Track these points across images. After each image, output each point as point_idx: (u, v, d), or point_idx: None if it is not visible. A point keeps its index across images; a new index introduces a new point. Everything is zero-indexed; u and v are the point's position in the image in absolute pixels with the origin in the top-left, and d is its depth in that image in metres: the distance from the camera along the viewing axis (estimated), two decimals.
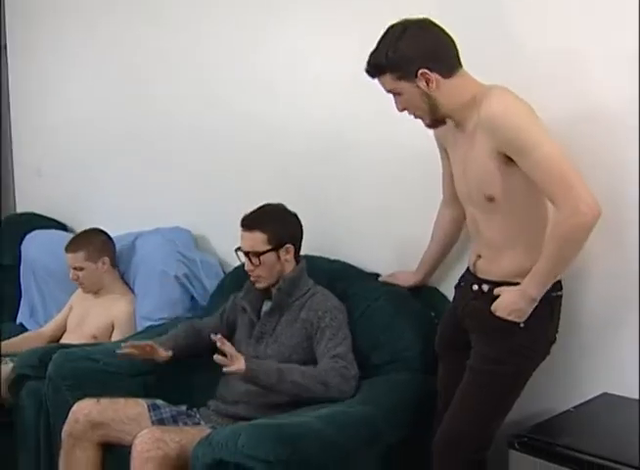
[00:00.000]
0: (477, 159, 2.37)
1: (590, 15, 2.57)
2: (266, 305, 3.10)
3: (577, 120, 2.60)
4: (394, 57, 2.33)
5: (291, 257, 3.04)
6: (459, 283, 2.66)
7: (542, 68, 2.69)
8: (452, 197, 2.72)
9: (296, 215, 3.09)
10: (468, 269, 2.62)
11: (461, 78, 2.39)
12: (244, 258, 3.04)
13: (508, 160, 2.29)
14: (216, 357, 2.68)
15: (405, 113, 2.46)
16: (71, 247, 3.90)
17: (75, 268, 3.86)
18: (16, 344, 3.92)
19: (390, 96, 2.45)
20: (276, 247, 2.99)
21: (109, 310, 3.85)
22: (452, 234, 2.94)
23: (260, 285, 3.05)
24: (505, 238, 2.43)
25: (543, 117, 2.33)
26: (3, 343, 3.87)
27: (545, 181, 2.23)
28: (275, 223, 3.02)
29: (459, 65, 2.39)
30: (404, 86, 2.37)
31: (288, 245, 3.01)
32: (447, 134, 2.56)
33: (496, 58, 2.78)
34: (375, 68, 2.40)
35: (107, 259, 3.91)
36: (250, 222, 3.01)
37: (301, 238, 3.10)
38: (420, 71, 2.32)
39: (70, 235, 4.22)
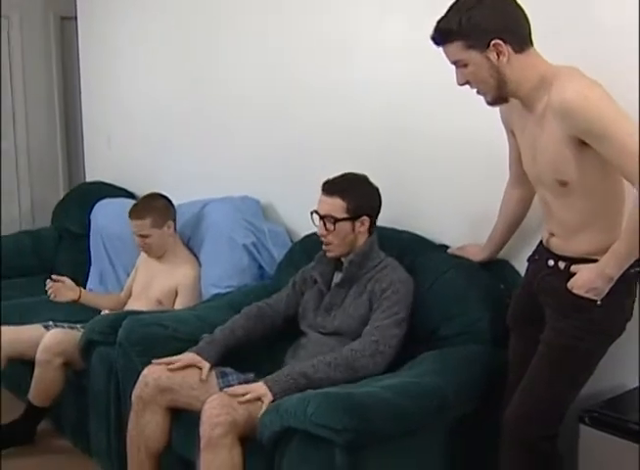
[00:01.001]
0: (548, 144, 2.31)
1: None
2: (337, 277, 3.09)
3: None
4: (468, 24, 2.26)
5: (365, 229, 3.02)
6: (533, 256, 2.62)
7: (612, 45, 2.62)
8: (519, 177, 2.67)
9: (377, 189, 3.07)
10: (542, 243, 2.57)
11: (531, 56, 2.32)
12: (318, 222, 3.02)
13: (582, 144, 2.23)
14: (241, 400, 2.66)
15: (467, 90, 2.41)
16: (136, 214, 3.90)
17: (142, 235, 3.87)
18: (93, 297, 4.05)
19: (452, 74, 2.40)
20: (353, 217, 2.98)
21: (173, 275, 3.88)
22: (519, 214, 2.89)
23: (331, 253, 3.04)
24: (579, 219, 2.38)
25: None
26: (85, 291, 3.97)
27: (627, 164, 2.16)
28: (356, 193, 3.00)
29: (530, 42, 2.33)
30: (473, 57, 2.29)
31: (364, 217, 3.00)
32: (514, 114, 2.50)
33: (567, 35, 2.71)
34: (444, 34, 2.32)
35: (171, 224, 3.92)
36: (331, 187, 3.01)
37: (379, 212, 3.08)
38: (493, 42, 2.25)
39: None
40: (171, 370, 2.89)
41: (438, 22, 2.33)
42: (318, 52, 3.71)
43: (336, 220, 2.96)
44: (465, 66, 2.33)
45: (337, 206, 2.97)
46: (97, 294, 4.20)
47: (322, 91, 3.72)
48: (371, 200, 3.05)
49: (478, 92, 2.39)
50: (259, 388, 2.69)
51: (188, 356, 2.95)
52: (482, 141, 3.07)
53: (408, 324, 2.93)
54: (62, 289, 3.85)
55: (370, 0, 3.46)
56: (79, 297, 3.89)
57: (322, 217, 2.99)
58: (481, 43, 2.27)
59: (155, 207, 3.90)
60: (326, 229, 2.98)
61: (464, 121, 3.13)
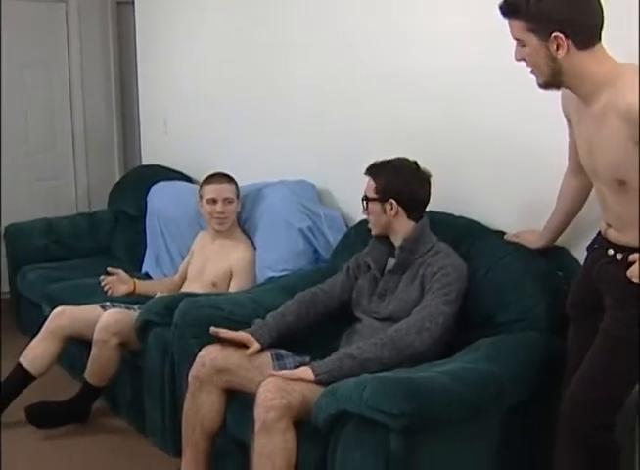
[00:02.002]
0: (607, 144, 2.26)
1: None
2: (390, 263, 3.10)
3: None
4: (535, 9, 2.21)
5: (395, 212, 3.02)
6: (592, 245, 2.58)
7: None
8: (578, 166, 2.62)
9: (421, 176, 3.07)
10: (601, 233, 2.54)
11: (595, 54, 2.26)
12: None
13: None
14: (294, 383, 2.67)
15: (528, 77, 2.37)
16: (224, 178, 3.97)
17: (227, 199, 3.90)
18: (148, 285, 4.08)
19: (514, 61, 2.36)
20: (380, 198, 3.03)
21: (227, 257, 3.90)
22: (577, 203, 2.85)
23: (372, 232, 3.12)
24: (636, 214, 2.32)
25: None
26: (139, 281, 4.01)
27: None
28: (387, 176, 3.04)
29: (598, 39, 2.26)
30: (532, 41, 2.25)
31: (392, 200, 3.01)
32: (571, 106, 2.46)
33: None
34: (510, 8, 2.26)
35: (240, 202, 3.99)
36: (368, 169, 3.11)
37: (417, 199, 3.07)
38: (554, 34, 2.20)
39: (196, 186, 4.28)
40: (221, 338, 2.94)
41: None
42: (377, 39, 3.69)
43: (368, 200, 3.06)
44: (524, 46, 2.29)
45: (370, 187, 3.07)
46: (151, 281, 4.25)
47: (380, 77, 3.70)
48: (401, 185, 3.03)
49: (531, 72, 2.36)
50: (303, 369, 2.72)
51: (243, 333, 2.98)
52: (537, 129, 3.04)
53: (460, 307, 2.93)
54: (116, 283, 3.90)
55: None
56: (134, 288, 3.93)
57: (363, 199, 3.10)
58: (543, 32, 2.22)
59: (234, 179, 3.98)
60: (364, 208, 3.10)
61: (519, 109, 3.10)
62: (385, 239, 3.12)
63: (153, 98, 5.60)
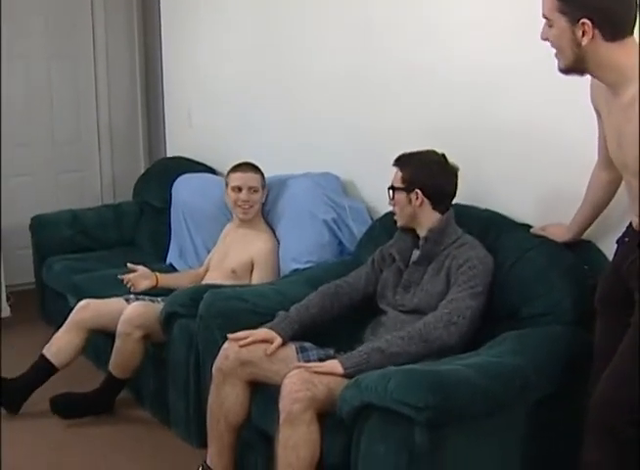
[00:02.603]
0: (637, 135, 2.22)
1: None
2: (414, 255, 3.09)
3: None
4: None
5: (420, 203, 3.02)
6: (622, 238, 2.55)
7: None
8: (607, 159, 2.59)
9: (449, 169, 3.07)
10: (631, 225, 2.51)
11: (625, 47, 2.24)
12: None
13: None
14: (317, 375, 2.67)
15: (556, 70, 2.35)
16: (250, 167, 3.99)
17: (252, 188, 3.92)
18: (171, 279, 4.07)
19: (546, 44, 2.34)
20: (406, 188, 3.03)
21: (249, 246, 3.91)
22: (606, 197, 2.82)
23: (398, 222, 3.12)
24: None
25: None
26: (160, 275, 4.00)
27: None
28: (414, 166, 3.06)
29: (630, 32, 2.24)
30: (560, 22, 2.24)
31: (417, 190, 3.01)
32: (600, 97, 2.43)
33: None
34: None
35: (266, 192, 4.01)
36: (396, 160, 3.11)
37: (443, 191, 3.06)
38: (582, 20, 2.19)
39: (221, 178, 4.28)
40: (242, 346, 2.91)
41: None
42: (404, 31, 3.66)
43: (394, 189, 3.07)
44: (551, 26, 2.28)
45: (397, 176, 3.08)
46: (174, 274, 4.24)
47: (406, 70, 3.67)
48: (427, 175, 3.04)
49: (555, 54, 2.34)
50: (332, 363, 2.71)
51: (261, 331, 2.98)
52: (563, 123, 3.01)
53: (487, 300, 2.91)
54: (138, 279, 3.90)
55: None
56: (157, 283, 3.93)
57: (390, 188, 3.10)
58: (573, 15, 2.21)
59: (260, 169, 4.01)
60: (390, 198, 3.10)
61: (544, 102, 3.07)
62: (410, 231, 3.11)
63: (177, 90, 5.61)
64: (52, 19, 5.89)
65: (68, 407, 3.72)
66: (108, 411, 3.80)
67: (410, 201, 3.03)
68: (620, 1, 2.22)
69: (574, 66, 2.30)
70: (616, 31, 2.22)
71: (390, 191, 3.08)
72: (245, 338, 2.93)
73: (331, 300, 3.14)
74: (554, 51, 2.34)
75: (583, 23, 2.19)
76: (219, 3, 4.98)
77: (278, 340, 2.94)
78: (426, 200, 3.02)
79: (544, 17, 2.30)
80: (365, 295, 3.18)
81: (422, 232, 3.05)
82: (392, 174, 3.10)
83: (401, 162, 3.08)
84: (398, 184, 3.05)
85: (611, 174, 2.69)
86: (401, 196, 3.04)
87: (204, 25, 5.17)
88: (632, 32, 2.25)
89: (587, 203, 2.88)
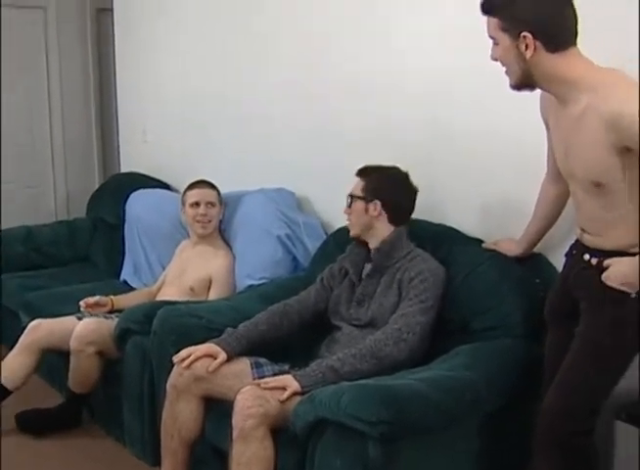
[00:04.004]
0: (586, 147, 2.27)
1: None
2: (367, 268, 3.11)
3: None
4: (508, 7, 2.25)
5: (378, 214, 3.06)
6: (570, 251, 2.60)
7: None
8: (556, 173, 2.63)
9: (409, 187, 3.13)
10: (577, 238, 2.56)
11: (569, 57, 2.28)
12: None
13: (628, 150, 2.20)
14: (271, 392, 2.67)
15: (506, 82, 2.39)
16: (207, 184, 4.03)
17: (209, 203, 3.95)
18: (126, 299, 4.02)
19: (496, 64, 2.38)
20: (366, 198, 3.07)
21: (207, 263, 3.91)
22: (555, 210, 2.87)
23: (351, 232, 3.14)
24: (611, 217, 2.36)
25: None
26: (115, 298, 3.99)
27: None
28: (378, 178, 3.10)
29: (572, 42, 2.29)
30: (504, 39, 2.29)
31: (377, 201, 3.05)
32: (549, 109, 2.48)
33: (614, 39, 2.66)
34: (487, 5, 2.31)
35: (223, 209, 4.03)
36: (361, 169, 3.15)
37: (402, 206, 3.11)
38: (523, 34, 2.24)
39: (176, 194, 4.28)
40: (186, 367, 2.90)
41: None
42: (358, 43, 3.70)
43: (353, 198, 3.09)
44: (497, 44, 2.33)
45: (358, 185, 3.12)
46: (129, 295, 4.17)
47: (361, 84, 3.70)
48: (390, 188, 3.09)
49: (505, 72, 2.38)
50: (287, 378, 2.71)
51: (204, 346, 2.96)
52: (516, 136, 3.06)
53: (437, 313, 2.94)
54: (95, 308, 3.89)
55: None
56: (112, 306, 3.93)
57: (348, 196, 3.13)
58: (513, 31, 2.26)
59: (216, 187, 4.04)
60: (347, 206, 3.12)
61: (498, 114, 3.11)
62: (363, 245, 3.14)
63: (132, 106, 5.59)
64: (4, 33, 5.84)
65: (36, 424, 3.70)
66: (76, 425, 3.78)
67: (367, 210, 3.06)
68: (558, 12, 2.27)
69: (523, 81, 2.34)
70: (557, 42, 2.27)
71: (349, 199, 3.11)
72: (188, 356, 2.92)
73: (280, 317, 3.14)
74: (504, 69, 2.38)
75: (524, 37, 2.24)
76: (174, 19, 4.98)
77: (222, 355, 2.93)
78: (383, 212, 3.06)
79: (490, 37, 2.35)
80: (315, 312, 3.20)
81: (373, 244, 3.08)
82: (350, 186, 3.13)
83: (366, 172, 3.12)
84: (358, 193, 3.09)
85: (559, 188, 2.74)
86: (359, 205, 3.07)
87: (158, 41, 5.16)
88: (575, 43, 2.29)
89: (537, 217, 2.92)
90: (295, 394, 2.66)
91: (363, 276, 3.11)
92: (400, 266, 3.01)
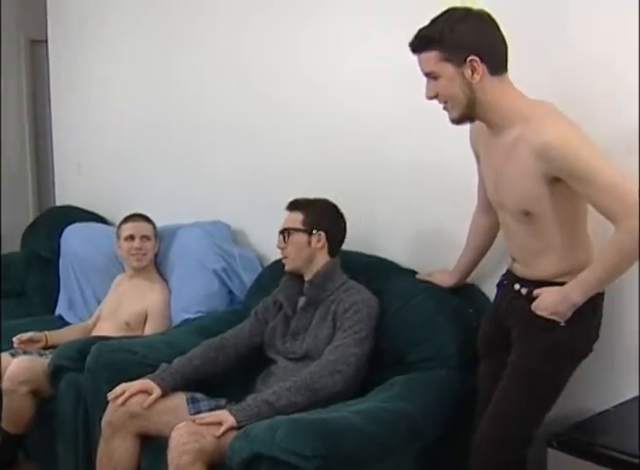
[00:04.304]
0: (516, 176, 2.33)
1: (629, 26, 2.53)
2: (301, 301, 3.12)
3: (620, 137, 2.58)
4: (450, 36, 2.27)
5: (322, 246, 3.09)
6: (502, 281, 2.64)
7: (585, 82, 2.66)
8: (487, 204, 2.68)
9: (342, 215, 3.16)
10: (509, 268, 2.60)
11: (504, 83, 2.34)
12: None
13: (556, 180, 2.26)
14: (207, 427, 2.65)
15: (444, 118, 2.42)
16: (142, 217, 4.01)
17: (144, 236, 3.93)
18: (61, 335, 3.97)
19: (431, 101, 2.41)
20: (309, 230, 3.07)
21: (143, 298, 3.89)
22: (487, 241, 2.91)
23: (287, 266, 3.12)
24: (539, 245, 2.41)
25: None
26: (50, 333, 3.93)
27: (606, 203, 2.20)
28: (315, 209, 3.12)
29: (505, 68, 2.35)
30: (447, 70, 2.31)
31: (321, 232, 3.07)
32: (480, 139, 2.53)
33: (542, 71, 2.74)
34: (424, 41, 2.33)
35: (158, 243, 4.00)
36: (293, 203, 3.16)
37: (339, 237, 3.15)
38: (470, 58, 2.27)
39: (111, 227, 4.25)
40: (121, 404, 2.86)
41: (420, 29, 2.34)
42: (292, 78, 3.73)
43: (291, 231, 3.08)
44: (436, 78, 2.34)
45: (295, 219, 3.11)
46: (63, 330, 4.12)
47: (295, 117, 3.74)
48: (330, 219, 3.13)
49: (444, 108, 2.40)
50: (223, 414, 2.69)
51: (138, 382, 2.93)
52: (450, 168, 3.10)
53: (372, 344, 2.96)
54: (29, 345, 3.83)
55: (346, 27, 3.48)
56: (47, 342, 3.87)
57: (281, 232, 3.11)
58: (459, 58, 2.29)
59: (151, 220, 4.02)
60: (283, 241, 3.10)
61: (432, 146, 3.16)
62: (297, 278, 3.15)
63: (67, 138, 5.54)
64: None
65: None
66: (12, 466, 3.70)
67: (310, 243, 3.07)
68: (496, 36, 2.33)
69: (467, 111, 2.37)
70: (498, 64, 2.32)
71: (284, 233, 3.10)
72: (123, 393, 2.88)
73: (215, 352, 3.12)
74: (442, 106, 2.41)
75: (471, 61, 2.28)
76: (109, 51, 4.96)
77: (157, 391, 2.90)
78: (326, 243, 3.08)
79: (427, 74, 2.36)
80: (251, 346, 3.19)
81: (308, 276, 3.09)
82: (283, 219, 3.13)
83: (301, 205, 3.13)
84: (298, 225, 3.08)
85: (490, 219, 2.77)
86: (300, 237, 3.07)
87: (93, 73, 5.13)
88: (506, 69, 2.35)
89: (469, 247, 2.96)
90: (231, 428, 2.63)
91: (297, 309, 3.11)
92: (334, 298, 3.02)
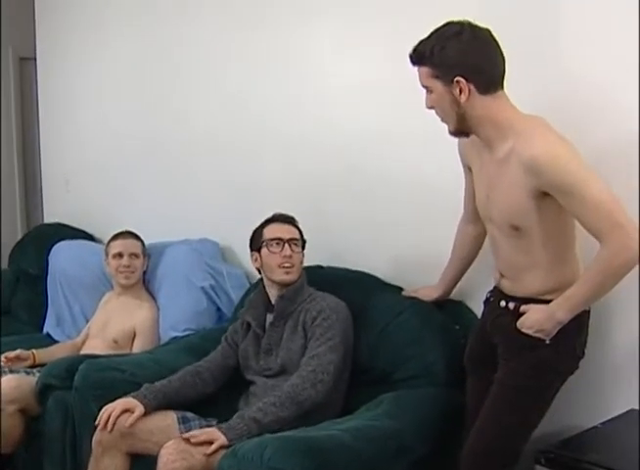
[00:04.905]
0: (507, 190, 2.34)
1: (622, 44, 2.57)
2: (269, 317, 3.15)
3: (610, 152, 2.61)
4: (439, 55, 2.29)
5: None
6: (488, 298, 2.65)
7: (576, 96, 2.69)
8: (473, 213, 2.70)
9: None
10: (495, 285, 2.61)
11: (498, 99, 2.34)
12: (276, 249, 3.12)
13: (544, 195, 2.28)
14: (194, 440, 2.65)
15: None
16: (131, 235, 4.02)
17: (133, 254, 3.94)
18: (49, 353, 3.95)
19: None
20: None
21: (131, 316, 3.89)
22: (472, 250, 2.92)
23: (292, 276, 3.11)
24: (527, 261, 2.42)
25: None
26: (37, 351, 3.91)
27: (592, 220, 2.21)
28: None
29: (500, 85, 2.35)
30: (438, 86, 2.33)
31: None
32: (473, 152, 2.54)
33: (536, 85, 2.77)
34: (418, 56, 2.35)
35: (147, 260, 4.01)
36: (286, 217, 3.21)
37: None
38: (456, 79, 2.29)
39: (99, 245, 4.25)
40: (110, 430, 2.85)
41: (419, 42, 2.36)
42: (276, 94, 3.76)
43: (297, 242, 3.15)
44: (431, 92, 2.37)
45: (296, 232, 3.18)
46: (51, 348, 4.10)
47: (279, 135, 3.77)
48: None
49: (441, 120, 2.43)
50: (214, 432, 2.68)
51: (123, 401, 2.92)
52: (434, 185, 3.13)
53: (347, 348, 2.99)
54: (16, 363, 3.81)
55: (325, 43, 3.52)
56: (34, 361, 3.85)
57: (288, 241, 3.12)
58: (446, 77, 2.31)
59: (140, 237, 4.03)
60: (294, 251, 3.12)
61: (415, 165, 3.19)
62: (263, 295, 3.19)
63: (55, 155, 5.53)
64: None
65: None
66: None
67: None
68: (487, 56, 2.33)
69: (460, 126, 2.39)
70: (488, 84, 2.33)
71: (292, 243, 3.12)
72: (108, 418, 2.86)
73: (192, 376, 3.11)
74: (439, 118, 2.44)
75: (458, 82, 2.29)
76: (96, 69, 4.97)
77: (140, 408, 2.88)
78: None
79: (423, 86, 2.39)
80: (225, 368, 3.19)
81: (281, 291, 3.12)
82: (278, 230, 3.16)
83: (293, 221, 3.20)
84: (299, 239, 3.16)
85: (477, 229, 2.79)
86: (300, 251, 3.15)
87: (81, 90, 5.13)
88: (502, 86, 2.36)
89: (455, 258, 2.97)
90: (221, 447, 2.63)
91: (267, 326, 3.14)
92: (302, 309, 3.05)
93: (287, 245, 3.11)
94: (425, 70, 2.34)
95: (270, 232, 3.16)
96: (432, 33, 2.34)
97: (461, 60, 2.29)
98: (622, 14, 2.57)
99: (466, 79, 2.29)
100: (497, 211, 2.42)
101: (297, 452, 2.34)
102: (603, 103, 2.63)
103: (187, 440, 2.66)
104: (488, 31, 2.33)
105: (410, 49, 2.37)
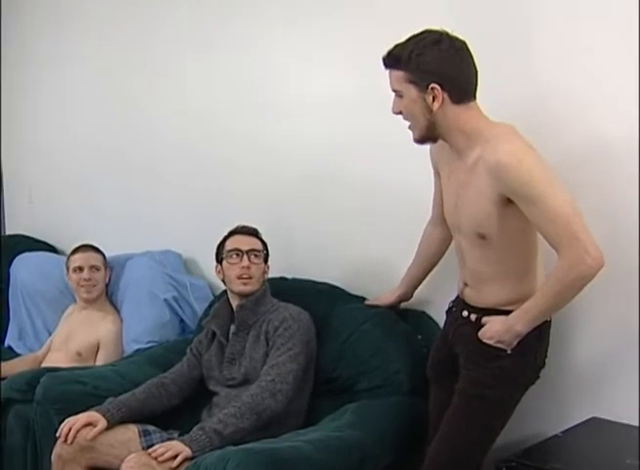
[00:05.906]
0: (474, 197, 2.35)
1: (590, 55, 2.61)
2: (233, 327, 3.15)
3: (580, 162, 2.64)
4: (416, 60, 2.29)
5: (267, 271, 3.20)
6: (450, 308, 2.67)
7: (545, 107, 2.71)
8: (441, 216, 2.69)
9: None
10: (458, 295, 2.62)
11: (469, 109, 2.35)
12: (236, 260, 3.13)
13: (508, 202, 2.28)
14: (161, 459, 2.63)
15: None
16: (91, 248, 3.99)
17: (93, 267, 3.92)
18: (10, 366, 3.90)
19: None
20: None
21: (95, 328, 3.86)
22: (439, 252, 2.93)
23: (250, 287, 3.11)
24: (491, 271, 2.43)
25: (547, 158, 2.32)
26: (4, 364, 3.85)
27: (551, 230, 2.22)
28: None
29: (473, 97, 2.36)
30: (410, 92, 2.33)
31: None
32: (442, 157, 2.54)
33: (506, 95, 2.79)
34: (393, 59, 2.34)
35: (108, 272, 3.98)
36: (248, 229, 3.21)
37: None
38: (431, 86, 2.29)
39: (62, 257, 4.22)
40: (71, 442, 2.83)
41: (395, 46, 2.36)
42: (239, 104, 3.76)
43: (257, 253, 3.14)
44: (401, 97, 2.36)
45: (256, 243, 3.17)
46: (13, 361, 4.05)
47: (244, 144, 3.76)
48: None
49: (408, 126, 2.42)
50: (177, 445, 2.66)
51: (86, 415, 2.89)
52: (400, 197, 3.14)
53: (307, 357, 2.99)
54: None
55: (294, 52, 3.52)
56: None
57: (247, 252, 3.12)
58: (421, 83, 2.30)
59: (101, 250, 4.00)
60: (254, 262, 3.12)
61: (383, 176, 3.20)
62: (227, 305, 3.19)
63: (17, 165, 5.46)
64: None
65: None
66: None
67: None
68: (463, 67, 2.34)
69: (428, 133, 2.39)
70: (462, 94, 2.33)
71: (250, 254, 3.12)
72: (68, 431, 2.84)
73: (157, 388, 3.09)
74: (407, 124, 2.43)
75: (433, 88, 2.29)
76: (59, 78, 4.93)
77: (102, 422, 2.86)
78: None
79: (393, 90, 2.38)
80: (190, 379, 3.18)
81: (242, 301, 3.12)
82: (238, 242, 3.15)
83: (256, 233, 3.20)
84: (261, 250, 3.17)
85: (444, 232, 2.79)
86: (262, 263, 3.15)
87: (43, 98, 5.09)
88: (475, 96, 2.37)
89: (419, 258, 2.98)
90: (185, 459, 2.61)
91: (230, 335, 3.14)
92: (265, 319, 3.06)
93: (245, 256, 3.12)
94: (399, 73, 2.34)
95: (230, 244, 3.17)
96: (409, 39, 2.34)
97: (439, 68, 2.29)
98: (593, 26, 2.61)
99: (441, 87, 2.29)
100: (465, 219, 2.42)
101: (259, 465, 2.33)
102: (572, 112, 2.66)
103: (149, 454, 2.64)
104: (464, 43, 2.34)
105: (383, 54, 2.37)
